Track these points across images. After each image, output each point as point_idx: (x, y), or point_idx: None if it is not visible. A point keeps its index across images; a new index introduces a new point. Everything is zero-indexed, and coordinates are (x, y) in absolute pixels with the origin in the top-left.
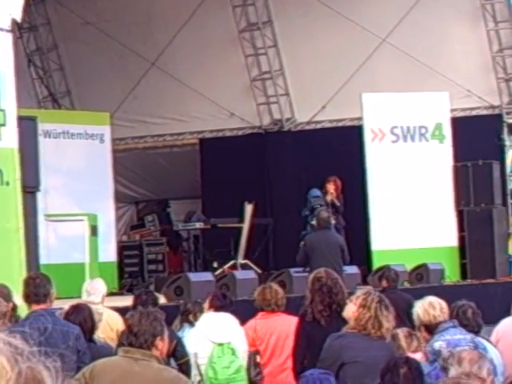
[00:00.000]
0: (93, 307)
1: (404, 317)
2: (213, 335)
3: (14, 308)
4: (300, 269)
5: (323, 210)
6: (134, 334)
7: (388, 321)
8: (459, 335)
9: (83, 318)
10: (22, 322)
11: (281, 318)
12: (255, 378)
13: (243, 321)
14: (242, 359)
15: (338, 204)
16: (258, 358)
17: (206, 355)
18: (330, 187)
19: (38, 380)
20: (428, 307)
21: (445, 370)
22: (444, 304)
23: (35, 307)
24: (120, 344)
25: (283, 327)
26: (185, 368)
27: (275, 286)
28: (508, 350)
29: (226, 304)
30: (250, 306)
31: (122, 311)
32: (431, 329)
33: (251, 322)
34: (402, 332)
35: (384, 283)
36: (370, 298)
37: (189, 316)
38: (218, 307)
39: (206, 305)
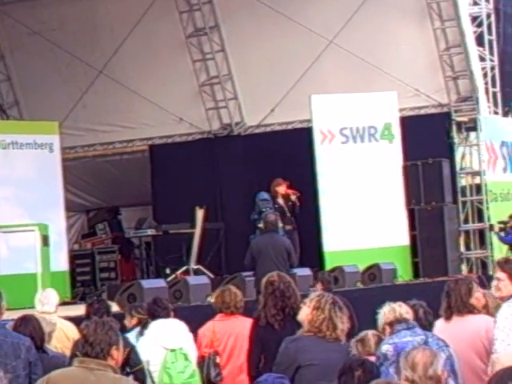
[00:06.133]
0: (46, 317)
1: None
2: (164, 341)
3: None
4: (251, 273)
5: (270, 212)
6: (89, 343)
7: (342, 322)
8: (408, 337)
9: (32, 328)
10: None
11: (239, 320)
12: (215, 378)
13: (197, 326)
14: (194, 364)
15: (297, 203)
16: (218, 359)
17: (158, 362)
18: (281, 189)
19: None
20: (395, 305)
21: (398, 373)
22: (409, 309)
23: None
24: (74, 354)
25: (241, 329)
26: (140, 376)
27: (234, 289)
28: None
29: (159, 310)
30: (204, 312)
31: (75, 320)
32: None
33: (209, 324)
34: (373, 337)
35: (319, 286)
36: (324, 300)
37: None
38: (153, 314)
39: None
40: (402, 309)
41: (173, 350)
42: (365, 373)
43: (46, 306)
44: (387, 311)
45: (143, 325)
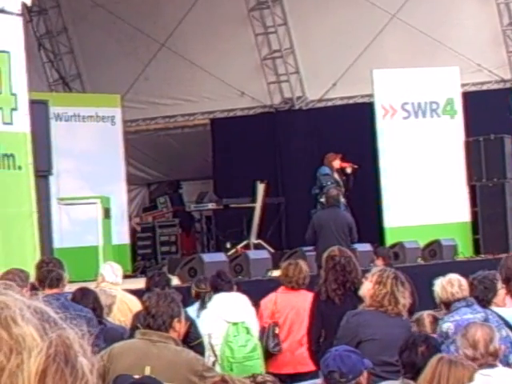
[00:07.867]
0: (106, 290)
1: None
2: (227, 315)
3: (34, 287)
4: (311, 247)
5: (332, 187)
6: (151, 315)
7: (404, 297)
8: (469, 315)
9: (91, 301)
10: None
11: (301, 294)
12: (273, 349)
13: (257, 300)
14: (256, 338)
15: (352, 176)
16: (277, 330)
17: (220, 335)
18: (337, 163)
19: (66, 346)
20: (446, 284)
21: (459, 351)
22: (464, 281)
23: (48, 291)
24: (135, 326)
25: (303, 303)
26: (198, 349)
27: (301, 264)
28: None
29: (222, 284)
30: (264, 286)
31: (136, 293)
32: (450, 306)
33: (271, 295)
34: (427, 317)
35: (380, 262)
36: (386, 275)
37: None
38: (216, 288)
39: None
40: (454, 288)
41: (235, 324)
42: (428, 348)
43: (119, 277)
44: (439, 291)
45: (203, 298)
